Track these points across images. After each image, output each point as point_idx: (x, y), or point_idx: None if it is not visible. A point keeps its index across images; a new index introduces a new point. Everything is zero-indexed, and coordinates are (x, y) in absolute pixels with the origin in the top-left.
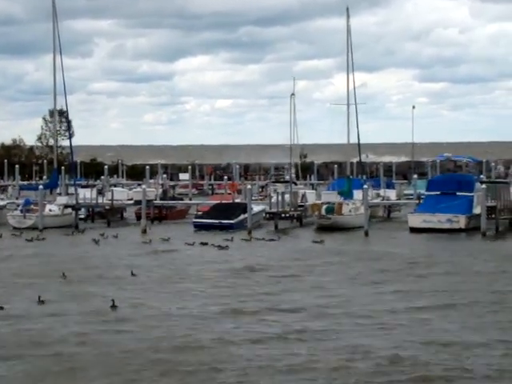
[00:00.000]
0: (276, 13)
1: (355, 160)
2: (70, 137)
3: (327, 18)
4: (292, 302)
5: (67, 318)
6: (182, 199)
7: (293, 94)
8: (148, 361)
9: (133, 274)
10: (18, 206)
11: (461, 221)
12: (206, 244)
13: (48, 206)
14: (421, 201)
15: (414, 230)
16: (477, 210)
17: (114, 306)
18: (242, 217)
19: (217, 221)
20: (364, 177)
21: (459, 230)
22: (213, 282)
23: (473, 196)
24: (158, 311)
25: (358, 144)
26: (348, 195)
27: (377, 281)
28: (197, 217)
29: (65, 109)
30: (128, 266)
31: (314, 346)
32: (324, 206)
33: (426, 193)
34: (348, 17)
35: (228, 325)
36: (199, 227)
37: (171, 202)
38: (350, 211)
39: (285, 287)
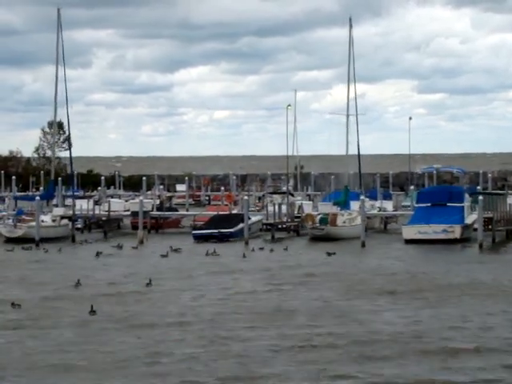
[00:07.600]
0: (276, 23)
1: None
2: (70, 148)
3: (328, 29)
4: None
5: None
6: (177, 210)
7: (289, 105)
8: None
9: None
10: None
11: (456, 231)
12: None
13: (41, 217)
14: None
15: (408, 242)
16: (468, 221)
17: None
18: (240, 226)
19: (216, 230)
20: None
21: (454, 241)
22: None
23: (463, 206)
24: None
25: (358, 155)
26: (344, 206)
27: None
28: (195, 228)
29: (63, 120)
30: None
31: None
32: (318, 217)
33: (416, 205)
34: (351, 27)
35: None
36: (198, 238)
37: (168, 213)
38: (344, 222)
39: None
